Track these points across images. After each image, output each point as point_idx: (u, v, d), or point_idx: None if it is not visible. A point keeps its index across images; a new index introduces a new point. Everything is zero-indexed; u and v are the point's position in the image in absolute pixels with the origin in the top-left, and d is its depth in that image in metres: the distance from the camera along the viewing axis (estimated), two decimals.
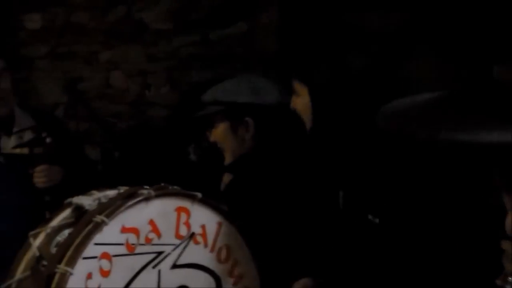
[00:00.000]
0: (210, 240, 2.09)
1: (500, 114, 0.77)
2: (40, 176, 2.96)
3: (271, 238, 2.36)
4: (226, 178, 2.72)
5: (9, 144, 3.05)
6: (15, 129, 3.08)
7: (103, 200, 1.96)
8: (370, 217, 2.36)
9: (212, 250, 2.10)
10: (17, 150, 3.02)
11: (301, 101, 2.27)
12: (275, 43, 4.47)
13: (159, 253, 1.97)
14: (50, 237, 1.95)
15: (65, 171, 3.04)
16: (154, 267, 1.96)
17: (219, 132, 2.68)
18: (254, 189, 2.52)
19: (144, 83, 4.94)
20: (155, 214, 1.95)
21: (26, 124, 3.10)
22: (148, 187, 2.00)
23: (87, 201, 1.96)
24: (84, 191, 2.07)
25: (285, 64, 3.88)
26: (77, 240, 1.83)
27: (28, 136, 3.06)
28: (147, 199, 1.93)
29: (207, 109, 2.69)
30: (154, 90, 4.88)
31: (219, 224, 2.11)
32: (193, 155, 3.04)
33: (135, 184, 2.08)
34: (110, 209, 1.88)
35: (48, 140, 2.98)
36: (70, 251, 1.81)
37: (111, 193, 2.02)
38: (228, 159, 2.69)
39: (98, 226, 1.83)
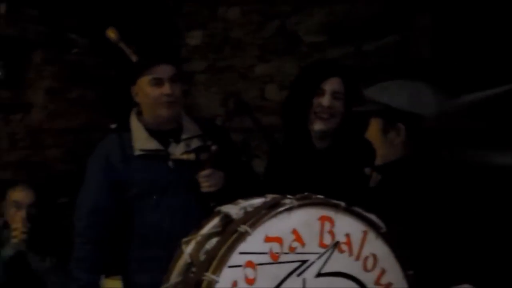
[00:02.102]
0: (355, 249, 2.08)
1: None
2: (204, 181, 3.08)
3: (421, 245, 2.33)
4: (375, 177, 2.70)
5: (178, 150, 3.18)
6: (183, 137, 3.20)
7: (249, 209, 2.02)
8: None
9: (357, 259, 2.08)
10: (185, 156, 3.15)
11: None
12: (429, 52, 4.38)
13: (303, 261, 1.98)
14: (200, 244, 2.04)
15: (229, 178, 3.14)
16: (298, 275, 1.98)
17: (371, 131, 2.65)
18: (404, 196, 2.48)
19: None
20: (298, 223, 1.97)
21: (193, 133, 3.23)
22: (291, 196, 2.04)
23: (234, 210, 2.03)
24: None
25: (439, 73, 3.81)
26: (223, 249, 1.89)
27: (195, 143, 3.19)
28: (290, 209, 1.96)
29: (367, 106, 2.68)
30: None
31: (365, 233, 2.10)
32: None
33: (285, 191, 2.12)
34: (254, 219, 1.93)
35: (213, 147, 3.09)
36: (217, 259, 1.88)
37: (257, 202, 2.08)
38: (377, 160, 2.67)
39: (242, 236, 1.89)
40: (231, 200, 2.15)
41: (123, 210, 3.17)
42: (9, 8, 5.23)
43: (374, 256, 2.12)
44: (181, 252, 2.08)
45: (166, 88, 3.11)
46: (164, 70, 3.14)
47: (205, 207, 2.86)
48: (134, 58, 3.25)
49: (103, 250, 3.18)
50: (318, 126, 3.02)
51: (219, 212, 2.11)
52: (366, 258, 2.10)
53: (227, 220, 2.04)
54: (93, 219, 3.15)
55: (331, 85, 3.02)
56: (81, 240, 3.17)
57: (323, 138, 3.06)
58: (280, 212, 1.95)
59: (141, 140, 3.17)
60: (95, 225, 3.15)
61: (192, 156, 3.14)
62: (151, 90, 3.13)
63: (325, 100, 2.99)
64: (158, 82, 3.12)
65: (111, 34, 3.35)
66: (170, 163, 3.16)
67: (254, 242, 1.89)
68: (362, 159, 2.77)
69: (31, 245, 4.19)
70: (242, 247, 1.87)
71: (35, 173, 5.31)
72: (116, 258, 3.29)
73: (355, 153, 2.89)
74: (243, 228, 1.89)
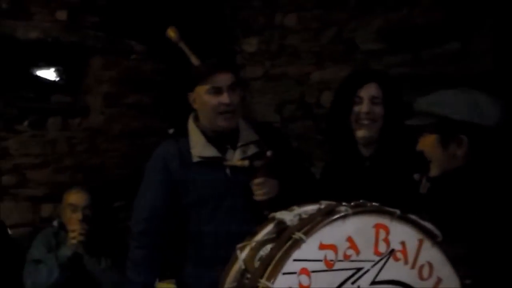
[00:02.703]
0: (410, 257, 2.05)
1: None
2: (257, 189, 3.06)
3: (482, 255, 2.29)
4: (424, 187, 2.67)
5: (234, 157, 3.15)
6: (239, 143, 3.18)
7: (303, 216, 2.02)
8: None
9: (413, 267, 2.05)
10: (239, 163, 3.11)
11: None
12: (491, 62, 4.29)
13: (358, 269, 1.96)
14: (255, 251, 2.04)
15: (285, 185, 3.11)
16: (353, 283, 1.96)
17: (428, 143, 2.58)
18: (461, 207, 2.43)
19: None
20: (353, 231, 1.96)
21: (250, 139, 3.20)
22: (346, 204, 2.03)
23: (288, 216, 2.02)
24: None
25: (501, 85, 3.73)
26: (277, 256, 1.88)
27: (251, 150, 3.17)
28: (345, 216, 1.94)
29: (420, 119, 2.61)
30: None
31: (420, 241, 2.07)
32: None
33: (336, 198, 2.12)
34: (308, 226, 1.92)
35: (268, 153, 3.06)
36: (271, 266, 1.87)
37: (311, 208, 2.07)
38: (434, 171, 2.60)
39: (297, 243, 1.88)
40: (286, 206, 2.15)
41: (180, 216, 3.18)
42: (70, 14, 5.34)
43: (430, 265, 2.08)
44: (236, 258, 2.08)
45: (225, 97, 3.08)
46: (223, 79, 3.10)
47: (259, 215, 2.86)
48: (194, 59, 3.23)
49: (159, 255, 3.19)
50: (361, 133, 3.01)
51: (273, 219, 2.11)
52: (421, 267, 2.07)
53: (282, 226, 2.04)
54: (150, 224, 3.16)
55: (367, 91, 3.01)
56: (137, 244, 3.19)
57: (368, 144, 3.05)
58: (335, 220, 1.93)
59: (199, 147, 3.16)
60: (152, 230, 3.16)
61: (246, 163, 3.11)
62: (209, 99, 3.10)
63: (364, 107, 2.99)
64: (216, 91, 3.08)
65: (171, 33, 3.31)
66: (227, 171, 3.15)
67: (309, 249, 1.88)
68: (411, 166, 2.75)
69: (87, 247, 4.25)
70: (297, 254, 1.86)
71: (92, 176, 5.40)
72: (170, 262, 3.31)
73: (402, 160, 2.87)
74: (297, 235, 1.88)
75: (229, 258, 2.11)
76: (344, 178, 3.05)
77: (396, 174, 2.89)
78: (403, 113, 2.95)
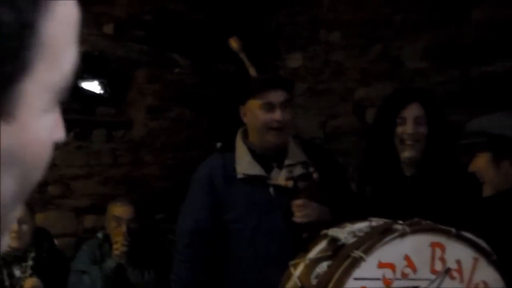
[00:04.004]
0: (466, 276, 2.05)
1: None
2: (297, 210, 3.02)
3: None
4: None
5: (280, 176, 3.13)
6: (286, 163, 3.15)
7: (358, 234, 2.02)
8: None
9: (468, 286, 2.06)
10: (283, 183, 3.09)
11: None
12: None
13: None
14: (309, 268, 2.04)
15: (324, 210, 3.06)
16: None
17: (480, 163, 2.58)
18: None
19: None
20: (410, 249, 1.96)
21: (297, 159, 3.16)
22: (401, 222, 2.02)
23: (343, 234, 2.03)
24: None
25: None
26: (337, 274, 1.89)
27: (297, 171, 3.13)
28: (403, 235, 1.95)
29: (472, 138, 2.62)
30: None
31: (475, 260, 2.07)
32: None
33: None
34: (366, 244, 1.92)
35: (314, 175, 3.05)
36: (331, 283, 1.88)
37: (363, 225, 2.08)
38: (487, 191, 2.60)
39: (357, 262, 1.89)
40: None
41: (222, 232, 3.17)
42: (117, 28, 5.40)
43: (485, 284, 2.09)
44: (290, 275, 2.09)
45: (277, 114, 3.06)
46: (277, 95, 3.08)
47: (298, 236, 2.86)
48: (252, 71, 3.23)
49: (202, 269, 3.19)
50: (406, 154, 2.97)
51: (325, 236, 2.10)
52: (477, 285, 2.07)
53: (336, 244, 2.04)
54: (194, 238, 3.15)
55: (411, 111, 2.97)
56: (181, 258, 3.18)
57: (412, 164, 3.02)
58: (394, 238, 1.94)
59: (244, 164, 3.14)
60: (196, 245, 3.15)
61: (290, 183, 3.08)
62: (261, 114, 3.09)
63: (409, 128, 2.95)
64: (269, 107, 3.07)
65: (233, 43, 3.32)
66: (271, 189, 3.13)
67: (368, 267, 1.89)
68: (457, 186, 2.74)
69: (130, 259, 4.28)
70: (357, 272, 1.88)
71: (134, 188, 5.44)
72: (213, 278, 3.30)
73: (446, 179, 2.84)
74: (357, 253, 1.88)
75: (267, 276, 2.11)
76: (386, 198, 3.03)
77: (440, 194, 2.87)
78: (446, 131, 2.94)
